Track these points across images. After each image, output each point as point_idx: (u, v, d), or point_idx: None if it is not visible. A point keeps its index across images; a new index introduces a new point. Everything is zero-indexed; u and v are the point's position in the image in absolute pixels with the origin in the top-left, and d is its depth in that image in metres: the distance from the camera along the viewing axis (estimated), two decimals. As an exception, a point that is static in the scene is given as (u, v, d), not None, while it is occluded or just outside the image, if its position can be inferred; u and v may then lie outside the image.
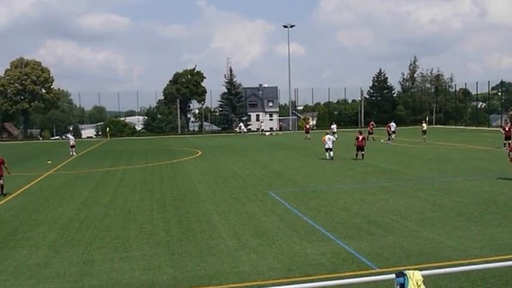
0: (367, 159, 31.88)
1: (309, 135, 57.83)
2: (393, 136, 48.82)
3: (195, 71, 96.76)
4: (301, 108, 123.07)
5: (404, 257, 11.30)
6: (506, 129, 37.30)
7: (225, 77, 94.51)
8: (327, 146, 33.46)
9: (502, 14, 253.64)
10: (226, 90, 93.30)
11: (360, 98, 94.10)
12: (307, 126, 63.78)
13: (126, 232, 14.48)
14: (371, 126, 54.33)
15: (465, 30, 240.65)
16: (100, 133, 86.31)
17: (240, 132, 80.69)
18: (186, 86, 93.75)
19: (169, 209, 17.71)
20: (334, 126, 57.69)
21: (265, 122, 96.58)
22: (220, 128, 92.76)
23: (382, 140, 46.82)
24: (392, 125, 50.31)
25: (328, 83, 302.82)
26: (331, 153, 33.24)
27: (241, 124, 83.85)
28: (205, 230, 14.43)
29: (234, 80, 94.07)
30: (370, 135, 49.77)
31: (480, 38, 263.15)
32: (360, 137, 33.18)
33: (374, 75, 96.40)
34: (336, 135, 49.24)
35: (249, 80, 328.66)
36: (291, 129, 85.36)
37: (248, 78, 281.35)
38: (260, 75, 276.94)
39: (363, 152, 32.79)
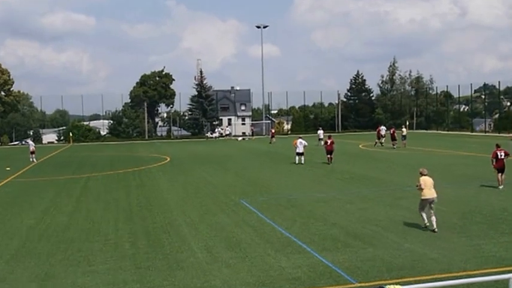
0: (344, 166, 32.12)
1: (274, 139, 61.69)
2: (383, 140, 49.53)
3: (164, 73, 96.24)
4: (275, 112, 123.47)
5: (385, 270, 11.30)
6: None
7: (195, 79, 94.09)
8: (298, 150, 34.17)
9: (483, 13, 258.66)
10: (196, 93, 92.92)
11: (336, 102, 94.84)
12: (273, 131, 66.27)
13: (90, 244, 14.24)
14: (381, 131, 50.80)
15: (445, 30, 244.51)
16: (62, 138, 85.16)
17: (213, 137, 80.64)
18: (153, 89, 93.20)
19: (136, 219, 17.50)
20: (320, 132, 54.63)
21: (237, 126, 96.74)
22: (190, 133, 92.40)
23: (394, 146, 46.27)
24: (383, 128, 51.24)
25: (303, 86, 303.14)
26: (303, 158, 33.87)
27: (220, 129, 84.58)
28: (174, 242, 14.27)
29: (204, 82, 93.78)
30: (379, 141, 49.73)
31: (461, 38, 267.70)
32: (329, 141, 34.55)
33: (351, 78, 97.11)
34: (322, 142, 48.82)
35: (220, 83, 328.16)
36: (264, 133, 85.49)
37: (219, 80, 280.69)
38: (232, 77, 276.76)
39: (331, 156, 34.21)
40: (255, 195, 21.97)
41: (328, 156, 34.52)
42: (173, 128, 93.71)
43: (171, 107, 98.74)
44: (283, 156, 41.16)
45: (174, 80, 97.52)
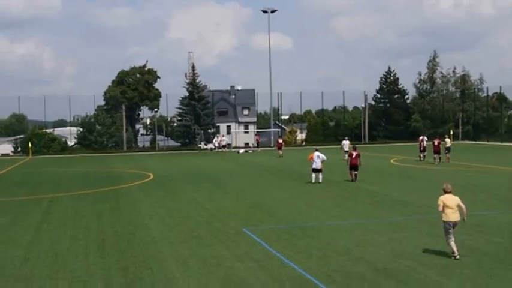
0: (372, 185, 32.10)
1: (281, 152, 61.65)
2: (425, 154, 49.47)
3: (146, 69, 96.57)
4: (286, 117, 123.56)
5: (424, 317, 11.24)
6: None
7: (185, 76, 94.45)
8: (314, 166, 34.14)
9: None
10: (187, 94, 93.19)
11: (363, 105, 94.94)
12: (280, 141, 66.19)
13: (53, 283, 14.20)
14: (422, 142, 50.83)
15: (500, 18, 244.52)
16: (20, 149, 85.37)
17: (207, 149, 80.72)
18: (134, 88, 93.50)
19: (111, 251, 17.46)
20: (346, 143, 54.23)
21: (238, 135, 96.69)
22: (179, 144, 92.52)
23: (436, 161, 46.01)
24: (424, 139, 50.76)
25: (321, 86, 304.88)
26: (320, 176, 33.84)
27: (219, 138, 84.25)
28: (158, 280, 14.24)
29: (197, 80, 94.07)
30: (422, 154, 49.60)
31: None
32: (354, 154, 34.75)
33: (381, 76, 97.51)
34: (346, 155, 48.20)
35: (217, 81, 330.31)
36: (272, 145, 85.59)
37: (216, 78, 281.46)
38: (232, 74, 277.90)
39: (356, 172, 34.40)
40: (260, 222, 21.92)
41: (352, 172, 34.61)
42: (158, 137, 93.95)
43: (156, 112, 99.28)
44: (295, 173, 41.09)
45: (159, 77, 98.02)
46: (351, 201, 26.88)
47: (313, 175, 34.13)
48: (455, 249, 15.36)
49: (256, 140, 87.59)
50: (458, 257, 15.26)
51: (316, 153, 34.71)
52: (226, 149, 79.04)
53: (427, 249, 16.66)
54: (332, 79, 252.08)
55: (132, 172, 46.23)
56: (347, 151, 49.05)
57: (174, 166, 51.88)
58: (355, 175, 34.45)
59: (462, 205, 15.68)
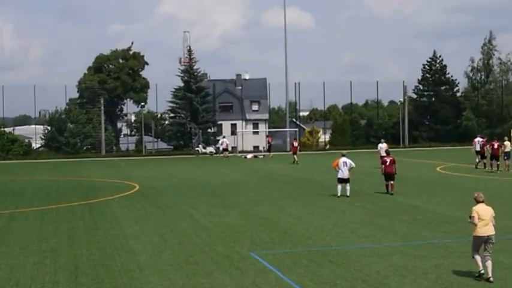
0: (413, 199, 32.15)
1: (296, 158, 61.84)
2: (483, 160, 49.29)
3: (131, 53, 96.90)
4: (306, 114, 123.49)
5: None
6: None
7: (180, 62, 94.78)
8: (341, 175, 33.98)
9: None
10: (182, 84, 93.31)
11: (401, 99, 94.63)
12: (295, 144, 65.95)
13: (12, 321, 14.23)
14: (475, 145, 51.24)
15: None
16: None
17: (207, 153, 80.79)
18: (115, 77, 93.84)
19: (86, 281, 17.48)
20: (383, 146, 52.93)
21: (245, 136, 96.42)
22: (171, 147, 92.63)
23: (493, 169, 46.06)
24: (478, 140, 50.46)
25: (349, 74, 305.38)
26: (348, 187, 33.80)
27: (223, 140, 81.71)
28: (145, 317, 14.23)
29: (195, 67, 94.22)
30: (480, 160, 49.53)
31: None
32: (388, 160, 34.74)
33: (425, 62, 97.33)
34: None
35: (220, 69, 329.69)
36: (288, 148, 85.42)
37: (219, 65, 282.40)
38: (238, 60, 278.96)
39: (392, 182, 34.52)
40: (272, 244, 21.94)
41: (387, 183, 34.69)
42: (145, 138, 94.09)
43: (143, 106, 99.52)
44: (316, 183, 41.11)
45: (147, 63, 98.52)
46: (386, 219, 26.84)
47: (339, 186, 34.08)
48: (490, 272, 15.86)
49: (268, 142, 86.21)
50: (492, 280, 15.74)
51: (343, 159, 34.56)
52: (226, 154, 76.01)
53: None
54: (363, 66, 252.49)
55: (113, 182, 46.36)
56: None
57: (165, 174, 51.97)
58: (391, 186, 34.55)
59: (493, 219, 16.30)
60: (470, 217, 16.23)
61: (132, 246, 22.25)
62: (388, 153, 36.53)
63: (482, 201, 16.32)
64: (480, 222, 15.98)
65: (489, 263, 15.90)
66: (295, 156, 62.71)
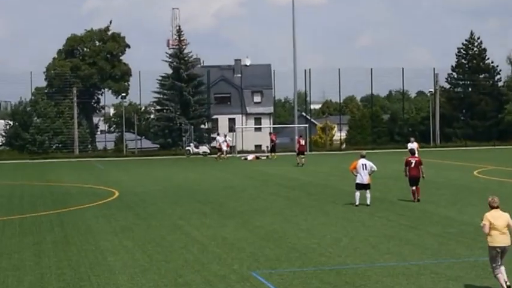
0: (445, 209, 32.12)
1: (303, 158, 61.92)
2: None
3: (110, 33, 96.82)
4: (318, 107, 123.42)
5: None
6: None
7: (168, 45, 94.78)
8: (359, 180, 33.72)
9: None
10: (170, 72, 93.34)
11: (432, 90, 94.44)
12: (302, 142, 65.57)
13: None
14: None
15: None
16: None
17: (200, 153, 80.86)
18: (91, 63, 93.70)
19: (55, 305, 17.47)
20: (414, 146, 50.92)
21: (246, 133, 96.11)
22: (157, 146, 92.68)
23: None
24: None
25: (369, 60, 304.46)
26: (368, 194, 33.58)
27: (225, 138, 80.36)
28: None
29: (185, 51, 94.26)
30: None
31: None
32: (413, 161, 34.50)
33: (460, 46, 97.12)
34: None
35: (215, 53, 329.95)
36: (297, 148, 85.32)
37: (214, 48, 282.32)
38: (238, 43, 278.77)
39: (417, 188, 34.42)
40: (277, 262, 21.87)
41: (413, 188, 34.62)
42: (127, 135, 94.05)
43: (124, 98, 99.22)
44: (330, 189, 41.06)
45: (128, 46, 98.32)
46: (413, 232, 26.77)
47: (357, 193, 33.91)
48: (505, 283, 16.18)
49: (271, 140, 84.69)
50: (508, 283, 16.12)
51: (362, 160, 34.31)
52: (223, 156, 75.26)
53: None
54: (385, 50, 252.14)
55: (88, 187, 46.34)
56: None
57: (150, 179, 51.97)
58: (417, 192, 34.45)
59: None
60: (481, 225, 16.62)
61: (111, 264, 22.23)
62: (412, 152, 36.26)
63: (497, 207, 16.49)
64: (494, 230, 16.23)
65: (502, 269, 16.33)
66: (301, 156, 62.40)
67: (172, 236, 26.93)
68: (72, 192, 43.49)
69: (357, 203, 33.59)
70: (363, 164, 33.98)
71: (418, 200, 34.11)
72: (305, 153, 63.77)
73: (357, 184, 33.93)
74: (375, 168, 34.36)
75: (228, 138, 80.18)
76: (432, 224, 28.59)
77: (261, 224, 29.31)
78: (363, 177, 33.66)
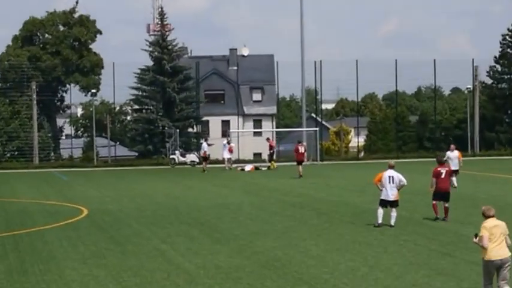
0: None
1: (300, 169, 61.99)
2: None
3: (77, 16, 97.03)
4: (331, 107, 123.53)
5: None
6: None
7: (148, 31, 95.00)
8: (384, 196, 33.31)
9: None
10: (151, 63, 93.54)
11: (470, 86, 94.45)
12: (301, 150, 65.85)
13: None
14: None
15: None
16: None
17: (187, 163, 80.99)
18: (54, 52, 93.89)
19: None
20: (454, 156, 50.59)
21: (242, 139, 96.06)
22: (135, 153, 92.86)
23: None
24: None
25: (393, 50, 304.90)
26: (394, 213, 33.30)
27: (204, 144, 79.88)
28: None
29: (169, 39, 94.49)
30: None
31: None
32: (443, 172, 34.69)
33: (504, 35, 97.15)
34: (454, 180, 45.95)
35: (206, 41, 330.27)
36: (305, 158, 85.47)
37: (204, 35, 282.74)
38: (233, 29, 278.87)
39: (446, 205, 34.29)
40: (281, 296, 21.89)
41: (437, 203, 34.44)
42: (98, 140, 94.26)
43: (94, 95, 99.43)
44: (345, 207, 41.02)
45: (100, 32, 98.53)
46: (447, 260, 26.73)
47: (380, 210, 33.44)
48: None
49: (270, 147, 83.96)
50: None
51: (390, 172, 33.87)
52: (229, 165, 74.93)
53: None
54: (412, 38, 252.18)
55: (50, 204, 46.30)
56: (455, 170, 47.40)
57: (127, 194, 51.94)
58: (446, 210, 34.31)
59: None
60: (475, 236, 16.98)
61: (77, 298, 22.29)
62: (441, 162, 35.81)
63: (493, 216, 17.09)
64: (491, 242, 16.68)
65: None
66: (299, 167, 62.43)
67: (152, 264, 26.89)
68: (31, 210, 43.43)
69: (379, 222, 33.13)
70: (389, 176, 33.41)
71: (444, 219, 34.04)
72: (303, 163, 63.41)
73: (381, 200, 33.50)
74: (404, 182, 33.78)
75: (232, 144, 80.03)
76: (470, 250, 28.41)
77: (261, 250, 29.23)
78: (388, 192, 33.16)
